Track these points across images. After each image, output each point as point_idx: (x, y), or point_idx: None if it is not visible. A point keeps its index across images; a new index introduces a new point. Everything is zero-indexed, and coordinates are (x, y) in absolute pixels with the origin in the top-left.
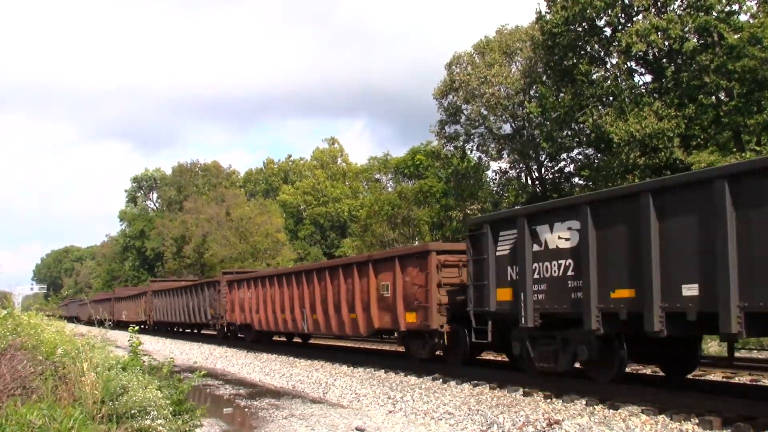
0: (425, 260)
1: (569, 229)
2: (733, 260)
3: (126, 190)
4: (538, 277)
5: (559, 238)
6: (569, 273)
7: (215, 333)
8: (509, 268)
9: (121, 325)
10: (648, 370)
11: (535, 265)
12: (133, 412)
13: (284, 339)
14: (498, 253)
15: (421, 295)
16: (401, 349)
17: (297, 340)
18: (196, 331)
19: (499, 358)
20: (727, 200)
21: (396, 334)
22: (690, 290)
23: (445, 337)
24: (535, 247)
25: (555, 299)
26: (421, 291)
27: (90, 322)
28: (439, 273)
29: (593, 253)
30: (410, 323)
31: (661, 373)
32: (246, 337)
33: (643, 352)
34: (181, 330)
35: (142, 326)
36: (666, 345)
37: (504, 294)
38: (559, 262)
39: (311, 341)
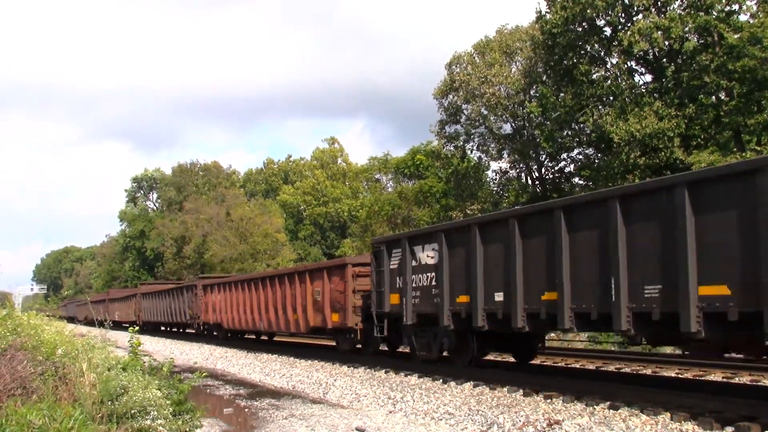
0: (344, 271)
1: (433, 249)
2: (519, 276)
3: (126, 190)
4: (414, 285)
5: (428, 256)
6: (433, 283)
7: (196, 331)
8: (398, 278)
9: (114, 324)
10: (612, 367)
11: (413, 276)
12: (133, 412)
13: (254, 336)
14: (391, 267)
15: (342, 299)
16: (394, 348)
17: (264, 337)
18: (180, 330)
19: (499, 358)
20: (477, 240)
21: (326, 331)
22: (499, 296)
23: (359, 333)
24: (414, 263)
25: (424, 303)
26: (342, 296)
27: (87, 322)
28: (354, 281)
29: (446, 269)
30: (335, 322)
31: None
32: (219, 334)
33: (496, 344)
34: (168, 329)
35: (132, 325)
36: (512, 338)
37: (395, 298)
38: (427, 274)
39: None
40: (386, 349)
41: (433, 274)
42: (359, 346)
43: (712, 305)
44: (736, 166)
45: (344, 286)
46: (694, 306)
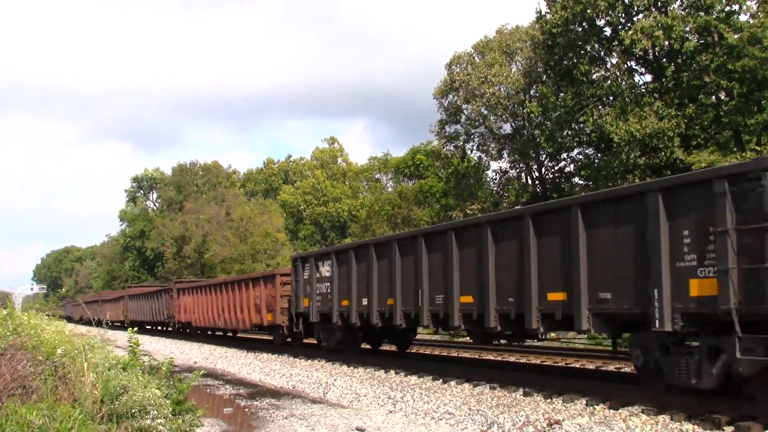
0: (274, 280)
1: (329, 265)
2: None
3: (126, 190)
4: (318, 292)
5: (326, 270)
6: (328, 290)
7: (172, 329)
8: (308, 286)
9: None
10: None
11: (317, 285)
12: (133, 411)
13: (221, 333)
14: (304, 277)
15: (273, 302)
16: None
17: (230, 333)
18: (162, 328)
19: (499, 359)
20: (353, 260)
21: (264, 328)
22: (365, 301)
23: (285, 329)
24: (317, 275)
25: (324, 305)
26: (273, 300)
27: (84, 322)
28: (282, 288)
29: (335, 280)
30: (269, 321)
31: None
32: (190, 330)
33: (383, 337)
34: (153, 328)
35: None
36: (388, 332)
37: (306, 302)
38: (325, 284)
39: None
40: (314, 341)
41: (329, 283)
42: (289, 339)
43: (600, 308)
44: (620, 190)
45: (275, 292)
46: (585, 308)
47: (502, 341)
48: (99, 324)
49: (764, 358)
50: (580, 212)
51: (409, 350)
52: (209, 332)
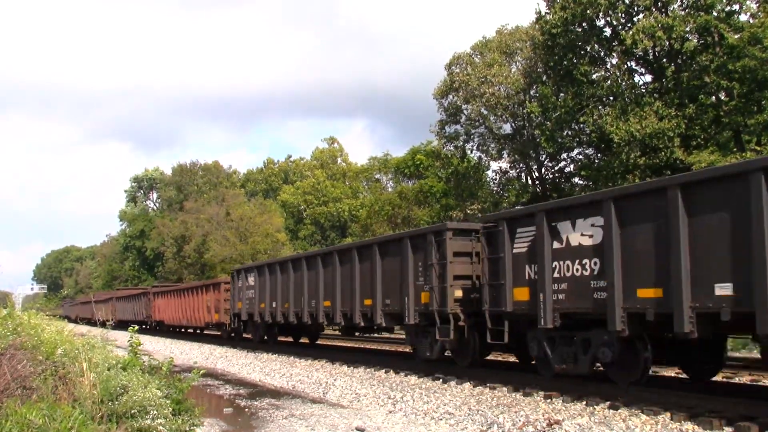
0: (219, 287)
1: (253, 277)
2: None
3: (126, 190)
4: (246, 297)
5: (251, 280)
6: (253, 296)
7: (149, 326)
8: (240, 292)
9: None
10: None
11: (246, 291)
12: (133, 411)
13: (192, 330)
14: (238, 285)
15: (219, 305)
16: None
17: (198, 330)
18: (144, 326)
19: (499, 359)
20: (266, 273)
21: (214, 325)
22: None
23: (228, 326)
24: (248, 284)
25: (250, 308)
26: (219, 303)
27: (80, 321)
28: (225, 293)
29: (258, 289)
30: (216, 319)
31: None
32: (162, 328)
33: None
34: (144, 327)
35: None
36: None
37: (239, 305)
38: (251, 291)
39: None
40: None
41: (253, 291)
42: (233, 335)
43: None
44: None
45: (220, 297)
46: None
47: (358, 333)
48: (103, 325)
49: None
50: (377, 249)
51: (318, 342)
52: (180, 329)
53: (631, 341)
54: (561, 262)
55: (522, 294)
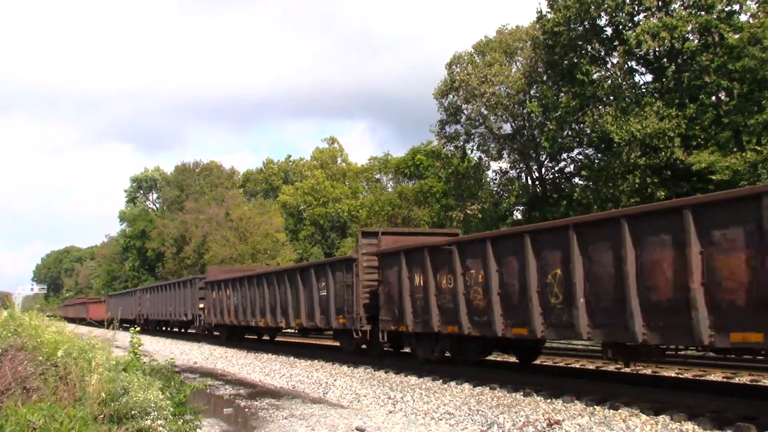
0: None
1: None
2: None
3: (125, 191)
4: (216, 302)
5: (228, 294)
6: (221, 303)
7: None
8: (210, 299)
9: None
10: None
11: (215, 300)
12: (133, 412)
13: (172, 329)
14: (213, 297)
15: (192, 302)
16: (395, 350)
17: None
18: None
19: (499, 358)
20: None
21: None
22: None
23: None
24: (213, 296)
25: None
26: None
27: (83, 322)
28: (199, 291)
29: (224, 297)
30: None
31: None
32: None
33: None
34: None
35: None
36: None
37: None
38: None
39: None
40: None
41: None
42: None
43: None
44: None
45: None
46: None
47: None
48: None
49: None
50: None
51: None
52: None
53: None
54: None
55: None
